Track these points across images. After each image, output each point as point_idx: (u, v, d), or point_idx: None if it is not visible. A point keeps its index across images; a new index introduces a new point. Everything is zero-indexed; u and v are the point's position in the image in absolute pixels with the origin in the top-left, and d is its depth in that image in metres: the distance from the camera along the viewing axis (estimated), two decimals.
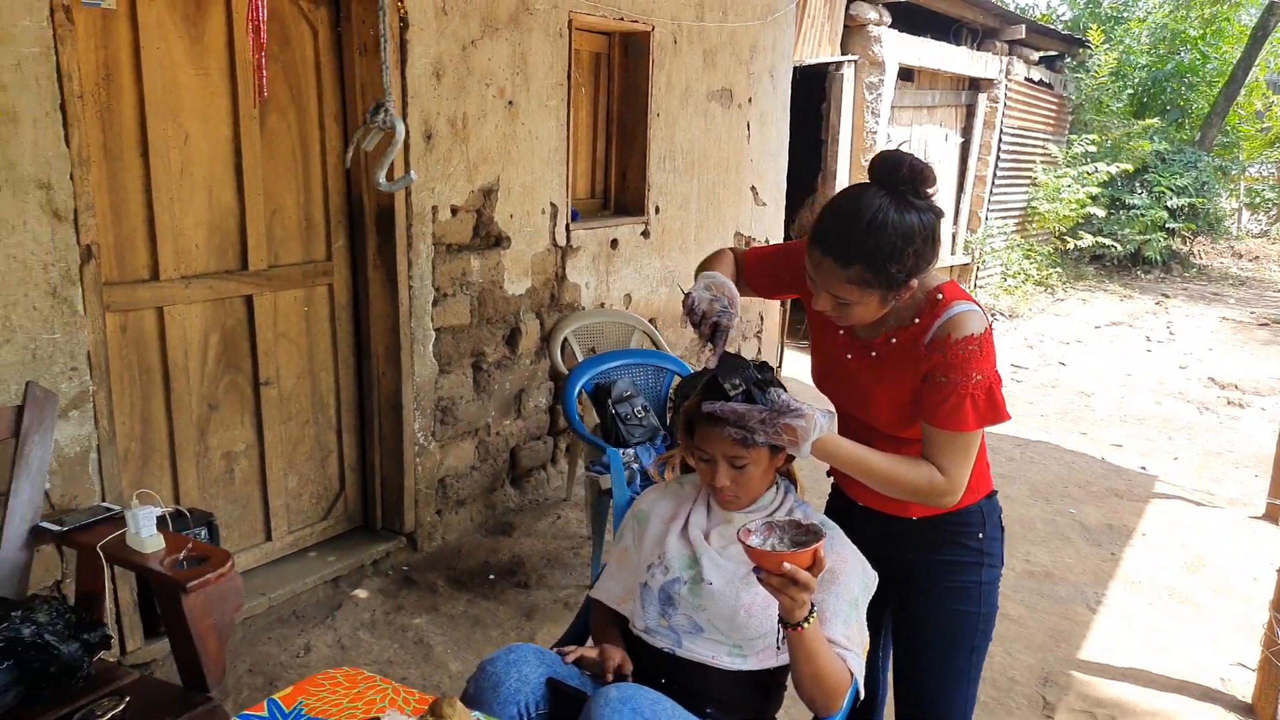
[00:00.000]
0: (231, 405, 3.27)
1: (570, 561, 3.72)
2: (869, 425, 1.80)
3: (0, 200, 2.40)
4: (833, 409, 1.71)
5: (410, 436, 3.70)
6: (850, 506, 1.93)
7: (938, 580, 1.84)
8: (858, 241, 1.56)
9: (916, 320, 1.69)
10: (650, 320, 4.78)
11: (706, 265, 1.89)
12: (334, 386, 3.62)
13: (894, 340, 1.72)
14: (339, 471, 3.69)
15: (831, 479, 1.98)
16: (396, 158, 3.29)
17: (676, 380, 3.66)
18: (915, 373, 1.68)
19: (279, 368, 3.39)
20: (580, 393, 3.66)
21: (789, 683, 1.74)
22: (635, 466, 3.18)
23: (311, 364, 3.52)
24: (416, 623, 3.21)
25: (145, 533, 2.08)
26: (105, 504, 2.47)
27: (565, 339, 4.27)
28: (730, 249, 1.99)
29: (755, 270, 1.95)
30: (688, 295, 1.70)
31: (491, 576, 3.57)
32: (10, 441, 2.25)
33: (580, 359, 4.23)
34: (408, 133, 3.46)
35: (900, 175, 1.57)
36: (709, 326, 1.68)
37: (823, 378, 1.89)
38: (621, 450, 3.26)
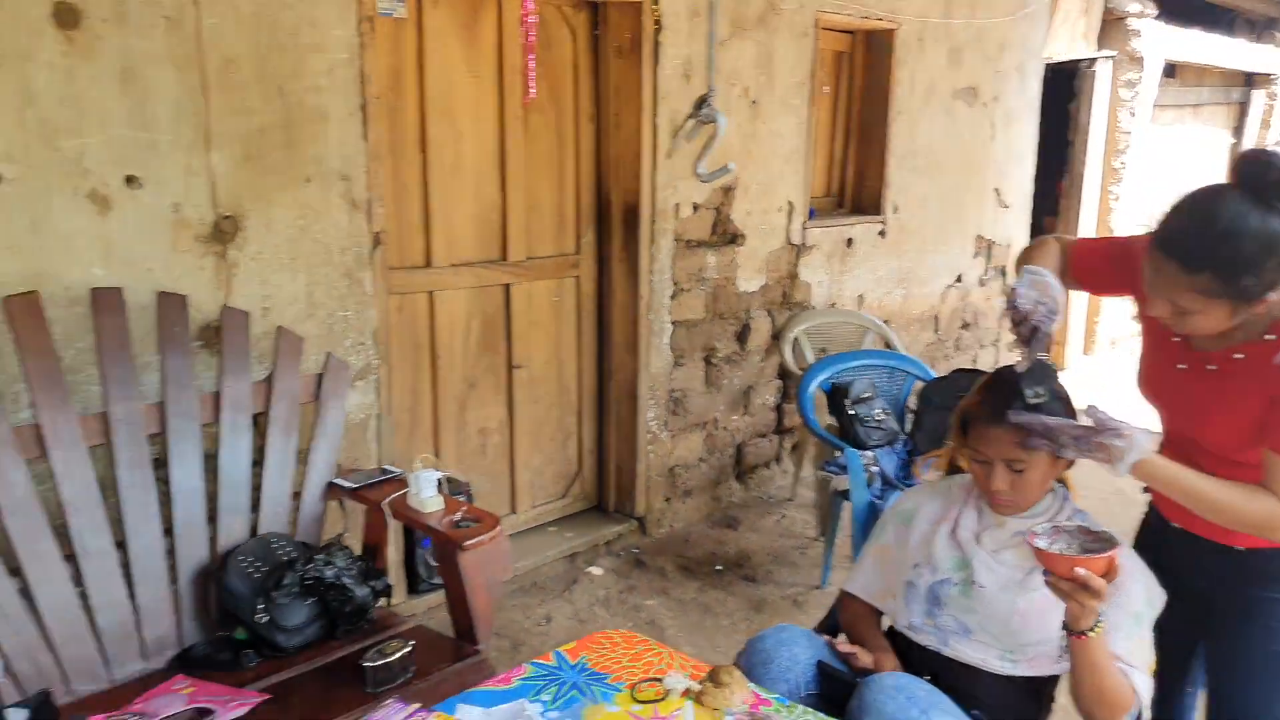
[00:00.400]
0: (488, 385, 3.50)
1: (797, 560, 3.72)
2: (1197, 443, 1.65)
3: (311, 190, 2.70)
4: (1155, 428, 1.58)
5: (644, 424, 3.82)
6: (1165, 528, 1.78)
7: (1263, 618, 1.66)
8: (1209, 247, 1.43)
9: (1269, 336, 1.53)
10: (884, 322, 4.69)
11: (1029, 255, 1.77)
12: (576, 373, 3.80)
13: (1239, 356, 1.56)
14: (577, 453, 3.87)
15: (1148, 495, 1.85)
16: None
17: (917, 384, 3.56)
18: (1261, 393, 1.52)
19: (530, 352, 3.60)
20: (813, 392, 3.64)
21: (1059, 694, 1.66)
22: (875, 469, 3.13)
23: (558, 350, 3.71)
24: (649, 604, 3.31)
25: (426, 494, 2.27)
26: (385, 466, 2.72)
27: (796, 338, 4.27)
28: (1055, 238, 1.85)
29: (1083, 264, 1.81)
30: (1013, 291, 1.61)
31: (719, 568, 3.63)
32: (312, 405, 2.52)
33: (810, 359, 4.22)
34: (655, 131, 3.60)
35: (1269, 179, 1.41)
36: (1028, 329, 1.58)
37: (1148, 386, 1.76)
38: (860, 452, 3.22)
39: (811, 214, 4.41)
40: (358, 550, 2.47)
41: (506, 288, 3.49)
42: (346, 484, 2.45)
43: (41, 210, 2.24)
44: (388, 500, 2.31)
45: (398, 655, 1.92)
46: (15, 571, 1.99)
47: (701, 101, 3.12)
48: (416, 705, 1.36)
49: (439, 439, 3.38)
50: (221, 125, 2.50)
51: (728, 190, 3.96)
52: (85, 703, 1.97)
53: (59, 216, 2.27)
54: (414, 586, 3.15)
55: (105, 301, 2.21)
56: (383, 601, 2.33)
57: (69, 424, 2.09)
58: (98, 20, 2.26)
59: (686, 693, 1.39)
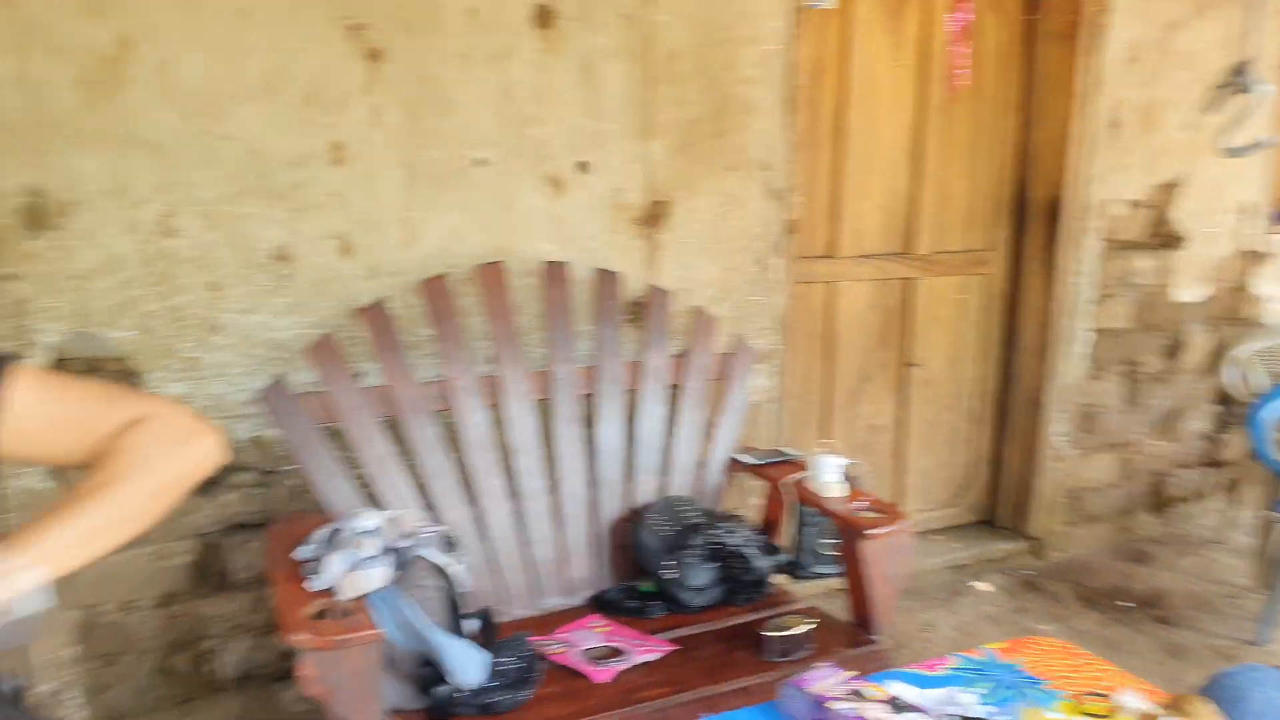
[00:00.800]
0: (881, 380, 3.44)
1: (1225, 610, 3.24)
2: None
3: (734, 178, 2.81)
4: None
5: (1048, 439, 3.54)
6: None
7: None
8: None
9: None
10: None
11: None
12: (977, 376, 3.61)
13: None
14: (969, 462, 3.68)
15: None
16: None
17: None
18: None
19: (928, 351, 3.48)
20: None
21: None
22: None
23: (958, 351, 3.55)
24: (1041, 629, 3.06)
25: (829, 478, 2.27)
26: (781, 448, 2.77)
27: (1243, 359, 3.71)
28: None
29: None
30: None
31: (1127, 604, 3.27)
32: (719, 383, 2.63)
33: (1259, 384, 3.64)
34: (1090, 120, 3.31)
35: None
36: None
37: None
38: None
39: (1277, 218, 3.81)
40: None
41: (908, 282, 3.40)
42: (748, 460, 2.53)
43: (510, 191, 2.55)
44: (792, 479, 2.35)
45: (800, 630, 1.94)
46: (472, 502, 2.30)
47: (1240, 68, 2.82)
48: (853, 671, 1.36)
49: (828, 429, 3.38)
50: (661, 116, 2.68)
51: (1170, 188, 3.54)
52: (518, 624, 2.22)
53: (523, 197, 2.57)
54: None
55: (554, 274, 2.48)
56: (777, 577, 2.37)
57: (520, 378, 2.37)
58: (567, 19, 2.52)
59: (1144, 716, 1.25)
